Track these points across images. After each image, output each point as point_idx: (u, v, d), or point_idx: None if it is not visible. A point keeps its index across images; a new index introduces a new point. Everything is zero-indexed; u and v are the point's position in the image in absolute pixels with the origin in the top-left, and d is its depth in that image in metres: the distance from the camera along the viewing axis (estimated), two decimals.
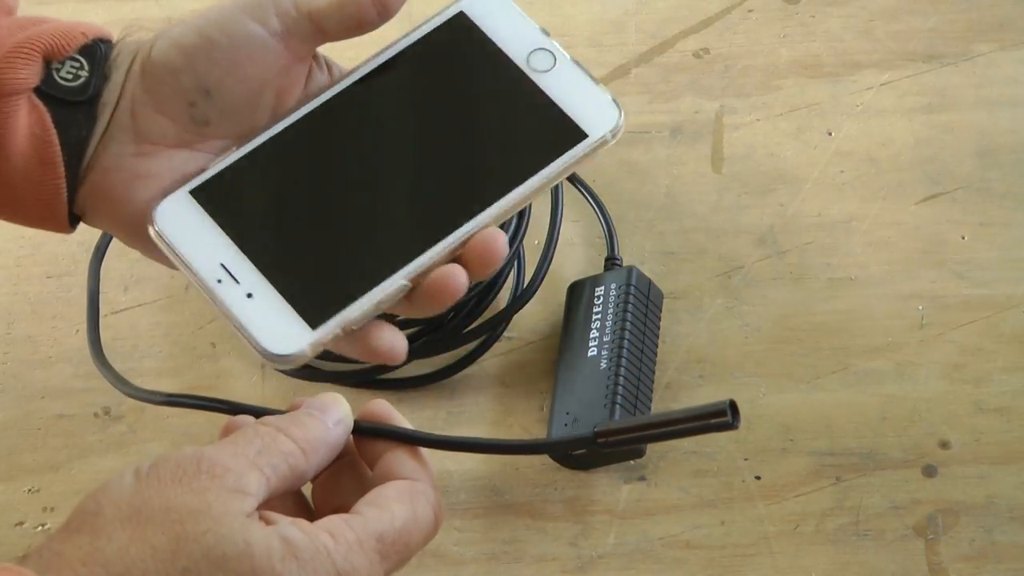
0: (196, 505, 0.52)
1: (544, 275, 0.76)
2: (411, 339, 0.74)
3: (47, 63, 0.61)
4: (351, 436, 0.59)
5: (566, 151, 0.63)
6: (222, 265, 0.61)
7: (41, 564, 0.51)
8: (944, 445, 0.71)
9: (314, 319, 0.60)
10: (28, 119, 0.61)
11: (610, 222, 0.78)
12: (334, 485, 0.58)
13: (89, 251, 0.75)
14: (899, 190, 0.79)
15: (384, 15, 0.62)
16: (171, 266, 0.62)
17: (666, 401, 0.73)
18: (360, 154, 0.63)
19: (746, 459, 0.71)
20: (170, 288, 0.77)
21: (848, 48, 0.84)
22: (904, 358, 0.74)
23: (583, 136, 0.63)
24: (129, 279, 0.77)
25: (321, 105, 0.64)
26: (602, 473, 0.71)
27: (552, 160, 0.63)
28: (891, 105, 0.82)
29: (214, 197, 0.62)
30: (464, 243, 0.61)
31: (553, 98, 0.63)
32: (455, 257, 0.61)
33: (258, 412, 0.59)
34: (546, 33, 0.64)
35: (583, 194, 0.79)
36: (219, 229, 0.62)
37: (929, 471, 0.71)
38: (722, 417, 0.58)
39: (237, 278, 0.61)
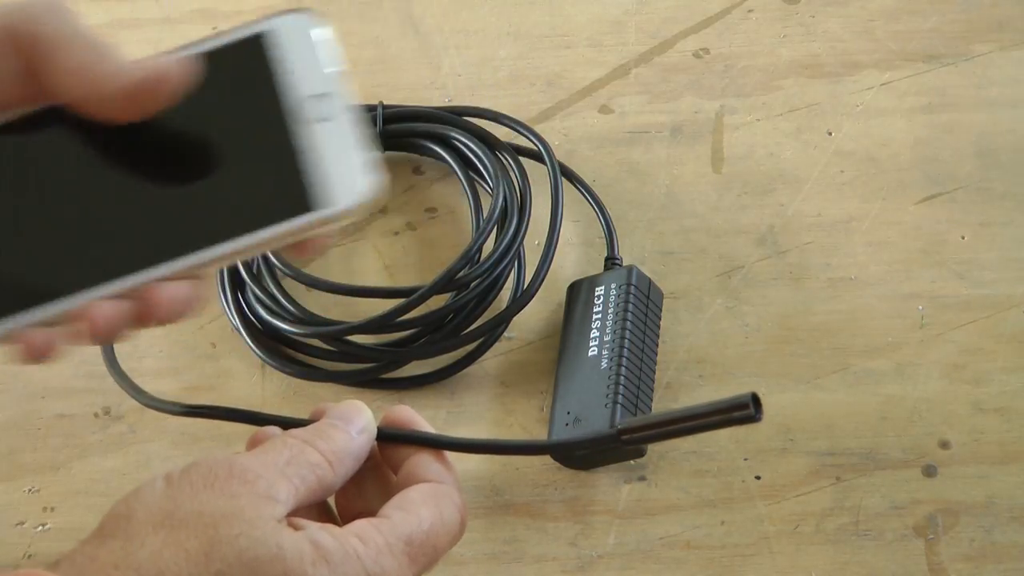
0: (229, 509, 0.52)
1: (544, 275, 0.76)
2: (411, 339, 0.74)
3: None
4: (374, 441, 0.59)
5: (290, 217, 0.55)
6: None
7: (74, 570, 0.51)
8: (944, 445, 0.71)
9: None
10: None
11: (610, 222, 0.77)
12: (357, 490, 0.58)
13: None
14: (899, 190, 0.79)
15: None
16: None
17: (666, 401, 0.73)
18: (74, 161, 0.56)
19: (746, 459, 0.71)
20: None
21: (848, 48, 0.84)
22: (904, 358, 0.74)
23: (318, 205, 0.55)
24: None
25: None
26: (602, 473, 0.71)
27: (272, 223, 0.55)
28: (891, 105, 0.82)
29: None
30: (141, 291, 0.54)
31: (305, 154, 0.55)
32: (135, 299, 0.55)
33: (283, 423, 0.58)
34: (340, 76, 0.56)
35: (583, 194, 0.79)
36: None
37: (929, 471, 0.71)
38: (745, 410, 0.57)
39: None
